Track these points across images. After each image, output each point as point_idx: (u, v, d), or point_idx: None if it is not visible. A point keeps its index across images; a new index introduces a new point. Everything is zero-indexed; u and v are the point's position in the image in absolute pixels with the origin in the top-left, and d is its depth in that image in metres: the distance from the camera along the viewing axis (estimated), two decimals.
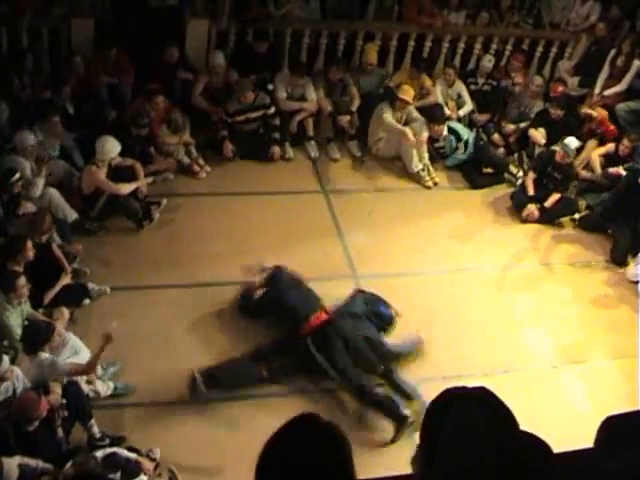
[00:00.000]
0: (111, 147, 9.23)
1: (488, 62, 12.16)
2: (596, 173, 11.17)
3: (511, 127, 12.00)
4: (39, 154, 9.19)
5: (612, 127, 11.58)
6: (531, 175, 10.96)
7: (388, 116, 11.04)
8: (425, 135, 11.13)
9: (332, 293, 8.61)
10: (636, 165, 10.48)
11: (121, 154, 9.39)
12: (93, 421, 7.03)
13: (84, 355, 7.46)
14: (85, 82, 10.46)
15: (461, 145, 11.39)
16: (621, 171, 10.77)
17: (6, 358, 6.84)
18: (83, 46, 10.65)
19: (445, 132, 11.32)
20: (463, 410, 2.26)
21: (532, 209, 10.67)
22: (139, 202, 9.53)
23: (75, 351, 7.43)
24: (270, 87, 11.21)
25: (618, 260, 10.27)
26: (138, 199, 9.52)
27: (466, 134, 11.49)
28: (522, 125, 11.95)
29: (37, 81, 10.16)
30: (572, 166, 10.84)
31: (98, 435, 7.04)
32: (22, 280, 7.46)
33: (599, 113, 11.61)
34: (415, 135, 11.04)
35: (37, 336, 7.10)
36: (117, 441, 7.06)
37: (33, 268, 7.84)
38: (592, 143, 11.55)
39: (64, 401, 6.86)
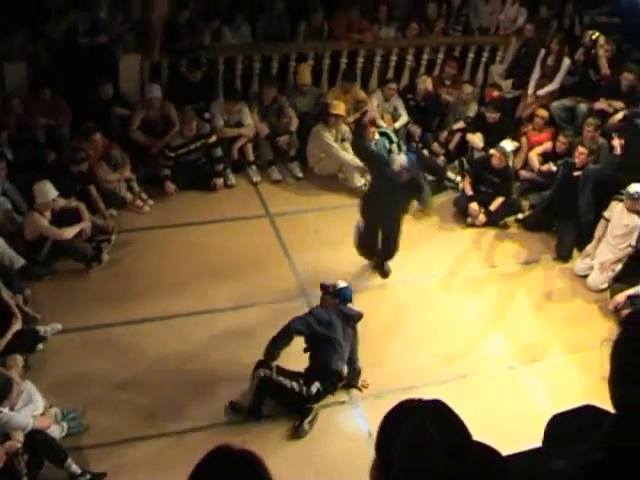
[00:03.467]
0: (49, 189, 9.14)
1: (423, 83, 12.31)
2: (535, 172, 11.31)
3: (444, 134, 12.18)
4: None
5: (545, 134, 11.71)
6: (467, 179, 11.13)
7: (329, 140, 11.15)
8: None
9: (285, 315, 8.52)
10: (570, 160, 10.63)
11: (63, 194, 9.34)
12: (70, 460, 7.04)
13: (38, 400, 7.39)
14: (22, 126, 10.40)
15: (394, 147, 11.53)
16: (552, 167, 10.94)
17: None
18: (17, 90, 10.59)
19: (377, 136, 11.45)
20: (416, 420, 2.30)
21: (479, 216, 10.78)
22: (89, 242, 9.49)
23: (30, 399, 7.35)
24: (207, 116, 11.22)
25: (564, 256, 10.41)
26: (90, 239, 9.50)
27: (396, 138, 11.67)
28: (454, 127, 12.13)
29: None
30: (508, 169, 10.91)
31: (79, 472, 7.06)
32: None
33: (541, 114, 11.70)
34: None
35: None
36: (98, 477, 7.16)
37: None
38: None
39: (19, 445, 6.78)
